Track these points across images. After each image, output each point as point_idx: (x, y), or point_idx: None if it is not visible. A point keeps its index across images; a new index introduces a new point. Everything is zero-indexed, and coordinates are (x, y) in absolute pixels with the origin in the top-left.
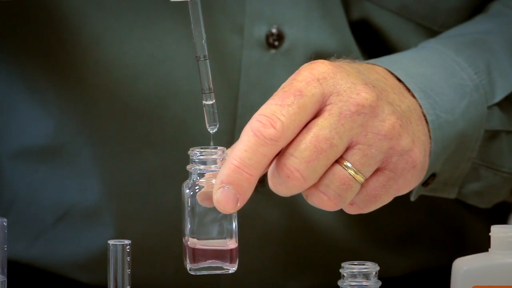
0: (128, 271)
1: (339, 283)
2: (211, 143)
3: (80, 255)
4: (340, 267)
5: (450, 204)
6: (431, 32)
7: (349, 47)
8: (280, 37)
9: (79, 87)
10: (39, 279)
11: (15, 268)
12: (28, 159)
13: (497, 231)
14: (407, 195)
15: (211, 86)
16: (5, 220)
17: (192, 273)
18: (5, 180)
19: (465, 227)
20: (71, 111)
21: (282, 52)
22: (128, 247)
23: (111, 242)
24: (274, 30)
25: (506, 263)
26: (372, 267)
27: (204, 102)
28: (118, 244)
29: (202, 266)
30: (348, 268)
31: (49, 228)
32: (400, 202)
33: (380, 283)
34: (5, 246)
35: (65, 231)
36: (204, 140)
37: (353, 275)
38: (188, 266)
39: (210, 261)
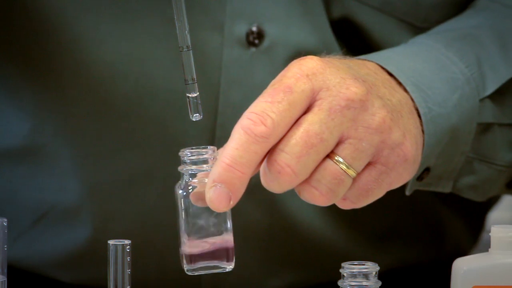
0: (128, 271)
1: (339, 283)
2: (193, 141)
3: (60, 254)
4: (321, 264)
5: (429, 201)
6: (414, 28)
7: (330, 45)
8: (260, 35)
9: (58, 87)
10: (20, 279)
11: None
12: (7, 160)
13: (497, 231)
14: (389, 192)
15: (195, 76)
16: (5, 220)
17: (190, 273)
18: None
19: (444, 224)
20: (50, 111)
21: (262, 50)
22: (128, 247)
23: (111, 242)
24: (254, 29)
25: (506, 263)
26: (372, 267)
27: (187, 94)
28: (118, 244)
29: (199, 266)
30: (348, 268)
31: (29, 229)
32: (380, 199)
33: (380, 283)
34: (5, 246)
35: (45, 231)
36: (185, 139)
37: (353, 275)
38: (185, 267)
39: (207, 261)
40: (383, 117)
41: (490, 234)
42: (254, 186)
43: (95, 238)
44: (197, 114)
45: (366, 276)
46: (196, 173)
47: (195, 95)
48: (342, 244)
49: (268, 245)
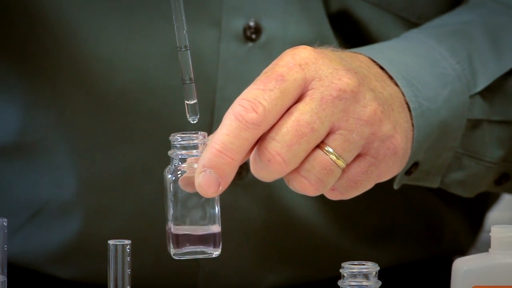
0: (128, 271)
1: (339, 283)
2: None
3: (56, 250)
4: (318, 260)
5: (427, 198)
6: (410, 24)
7: (328, 40)
8: (257, 30)
9: (53, 82)
10: (16, 275)
11: None
12: (1, 156)
13: (497, 231)
14: (387, 188)
15: (192, 76)
16: (5, 220)
17: (176, 257)
18: None
19: (442, 222)
20: (45, 106)
21: (259, 45)
22: (128, 247)
23: (111, 242)
24: (251, 23)
25: (506, 263)
26: (372, 267)
27: (186, 101)
28: (118, 244)
29: (185, 251)
30: (348, 268)
31: (25, 224)
32: (379, 196)
33: (380, 283)
34: (5, 246)
35: (41, 227)
36: None
37: (353, 275)
38: (172, 251)
39: (193, 246)
40: (374, 109)
41: (490, 234)
42: (252, 181)
43: (91, 233)
44: (195, 116)
45: (366, 276)
46: (186, 158)
47: (193, 102)
48: (340, 241)
49: (265, 241)
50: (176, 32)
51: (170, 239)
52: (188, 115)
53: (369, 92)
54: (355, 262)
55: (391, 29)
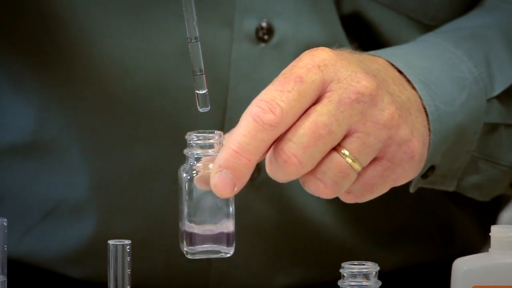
0: (128, 271)
1: (339, 283)
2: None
3: (69, 250)
4: (329, 261)
5: (439, 200)
6: (422, 26)
7: (340, 41)
8: (270, 31)
9: (66, 82)
10: (29, 275)
11: None
12: (15, 155)
13: (497, 231)
14: (400, 190)
15: (203, 68)
16: (5, 220)
17: (189, 257)
18: None
19: (454, 223)
20: (58, 106)
21: (271, 46)
22: (128, 247)
23: (111, 242)
24: (264, 24)
25: (506, 263)
26: (372, 267)
27: (196, 90)
28: (118, 244)
29: (199, 250)
30: (348, 268)
31: (38, 224)
32: (391, 197)
33: (380, 283)
34: (5, 246)
35: (54, 226)
36: None
37: (353, 275)
38: (185, 250)
39: (207, 245)
40: (391, 113)
41: (490, 234)
42: (263, 181)
43: (103, 232)
44: (205, 108)
45: (366, 276)
46: (201, 157)
47: (204, 92)
48: (351, 242)
49: (276, 241)
50: (186, 24)
51: (183, 238)
52: (198, 106)
53: (387, 96)
54: (355, 262)
55: (403, 31)
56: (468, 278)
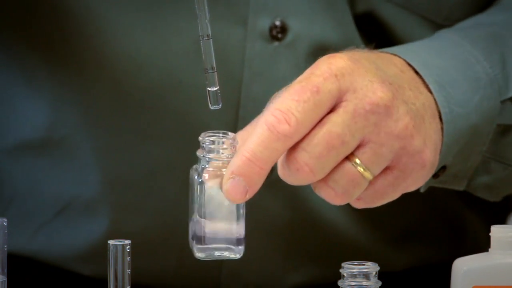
0: (128, 271)
1: (339, 283)
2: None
3: (80, 247)
4: (341, 260)
5: (451, 200)
6: (436, 25)
7: (353, 40)
8: (283, 29)
9: (80, 79)
10: (41, 272)
11: (16, 261)
12: (28, 152)
13: (497, 231)
14: (411, 191)
15: (214, 66)
16: (5, 220)
17: (200, 258)
18: (5, 174)
19: (465, 224)
20: (72, 103)
21: (285, 44)
22: (128, 247)
23: (111, 242)
24: (277, 23)
25: (506, 263)
26: (372, 267)
27: (207, 88)
28: (118, 244)
29: (209, 252)
30: (348, 268)
31: (50, 221)
32: (403, 198)
33: (380, 283)
34: (5, 246)
35: (66, 224)
36: None
37: (353, 275)
38: (195, 251)
39: (217, 245)
40: (406, 124)
41: (490, 234)
42: (276, 180)
43: (114, 231)
44: (217, 105)
45: (366, 276)
46: (214, 161)
47: (215, 89)
48: (363, 241)
49: (289, 240)
50: (198, 21)
51: (193, 239)
52: (210, 104)
53: (402, 106)
54: (355, 262)
55: (417, 31)
56: (468, 278)
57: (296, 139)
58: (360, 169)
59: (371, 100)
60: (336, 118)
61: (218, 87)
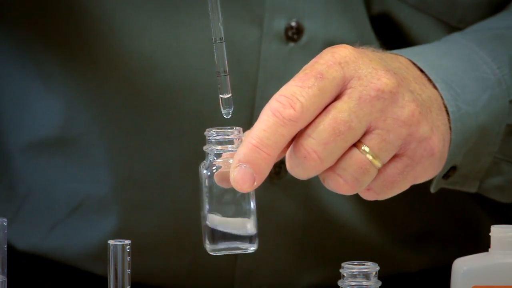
0: (128, 271)
1: (339, 283)
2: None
3: (94, 246)
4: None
5: (465, 202)
6: (450, 28)
7: (369, 41)
8: (299, 30)
9: (95, 78)
10: (54, 271)
11: (30, 260)
12: (42, 150)
13: (497, 231)
14: (426, 191)
15: (227, 69)
16: (5, 220)
17: (212, 253)
18: (19, 172)
19: (480, 226)
20: (87, 102)
21: (300, 45)
22: (128, 247)
23: (111, 242)
24: (293, 24)
25: (506, 263)
26: (372, 267)
27: (220, 95)
28: (118, 244)
29: (221, 246)
30: (348, 268)
31: (64, 220)
32: (417, 199)
33: (380, 283)
34: (5, 246)
35: (79, 223)
36: None
37: (353, 275)
38: (208, 247)
39: (229, 241)
40: (412, 110)
41: (490, 234)
42: (290, 181)
43: (128, 229)
44: (229, 109)
45: (366, 276)
46: (221, 153)
47: (228, 96)
48: (377, 241)
49: (302, 240)
50: (211, 24)
51: (205, 235)
52: (222, 109)
53: (407, 93)
54: (355, 262)
55: (431, 33)
56: (468, 278)
57: (301, 124)
58: (369, 156)
59: (376, 86)
60: (342, 105)
61: (230, 94)
